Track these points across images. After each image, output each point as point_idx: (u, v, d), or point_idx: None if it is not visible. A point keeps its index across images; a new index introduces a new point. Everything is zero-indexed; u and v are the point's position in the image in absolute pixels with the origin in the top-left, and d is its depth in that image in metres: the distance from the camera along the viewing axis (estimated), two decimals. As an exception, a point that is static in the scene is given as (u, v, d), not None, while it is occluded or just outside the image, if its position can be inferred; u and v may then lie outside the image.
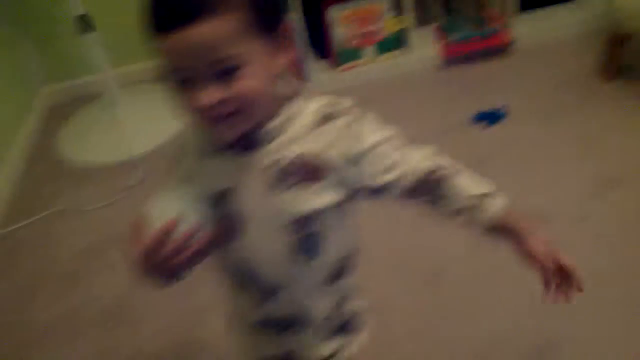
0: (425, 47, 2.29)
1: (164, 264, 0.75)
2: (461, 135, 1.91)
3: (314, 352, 0.92)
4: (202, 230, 0.77)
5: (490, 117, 1.94)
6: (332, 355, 0.93)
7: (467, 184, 0.83)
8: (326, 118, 0.78)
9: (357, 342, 0.95)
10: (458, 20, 2.35)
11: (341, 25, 2.20)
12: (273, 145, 0.77)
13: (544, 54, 2.19)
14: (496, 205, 0.82)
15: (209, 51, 0.68)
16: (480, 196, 0.82)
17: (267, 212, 0.80)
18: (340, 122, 0.78)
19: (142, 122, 2.32)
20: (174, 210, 0.76)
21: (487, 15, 2.33)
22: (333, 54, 2.26)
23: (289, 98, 0.79)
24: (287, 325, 0.90)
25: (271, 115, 0.77)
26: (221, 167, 0.80)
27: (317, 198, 0.79)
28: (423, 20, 2.39)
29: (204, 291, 1.59)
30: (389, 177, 0.80)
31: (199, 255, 0.78)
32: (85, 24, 2.18)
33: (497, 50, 2.23)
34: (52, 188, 2.10)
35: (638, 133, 1.80)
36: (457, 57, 2.24)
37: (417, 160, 0.82)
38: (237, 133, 0.75)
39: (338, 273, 0.88)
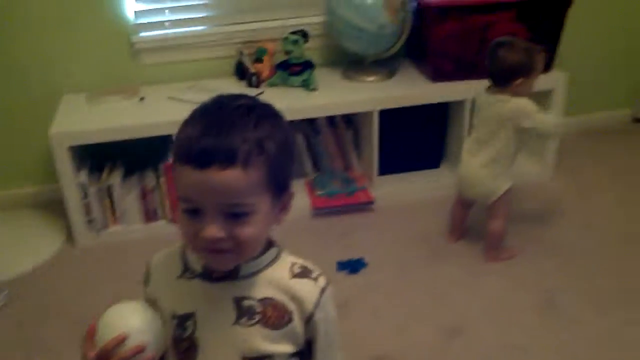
0: (297, 198, 2.48)
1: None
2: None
3: None
4: (148, 351, 0.83)
5: (352, 266, 2.13)
6: None
7: None
8: (302, 274, 0.89)
9: None
10: (326, 177, 2.61)
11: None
12: (247, 282, 0.86)
13: (401, 213, 2.46)
14: None
15: (229, 195, 0.78)
16: None
17: (224, 343, 0.87)
18: (308, 285, 0.88)
19: (9, 247, 2.28)
20: (127, 325, 0.84)
21: (352, 174, 2.63)
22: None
23: (271, 243, 0.91)
24: None
25: (254, 255, 0.87)
26: (194, 291, 0.88)
27: (274, 343, 0.86)
28: (296, 173, 2.63)
29: None
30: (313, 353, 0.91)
31: None
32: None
33: (361, 206, 2.48)
34: None
35: (477, 288, 2.05)
36: (326, 209, 2.46)
37: None
38: (224, 267, 0.85)
39: None
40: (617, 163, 2.83)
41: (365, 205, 2.49)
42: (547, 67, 2.44)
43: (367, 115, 2.45)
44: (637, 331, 1.85)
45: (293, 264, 0.90)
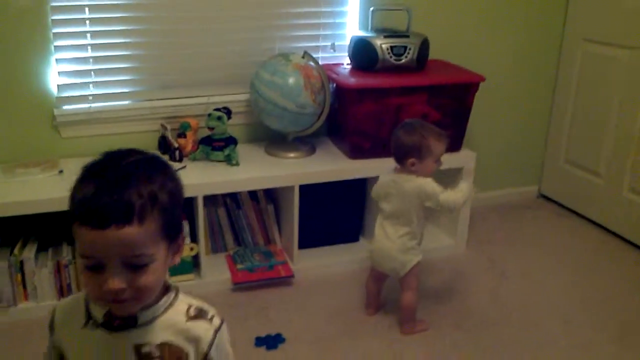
0: (217, 272, 2.50)
1: None
2: (244, 358, 2.05)
3: None
4: None
5: (270, 342, 2.13)
6: None
7: None
8: (197, 316, 0.96)
9: None
10: (247, 251, 2.63)
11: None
12: (145, 329, 0.92)
13: (321, 287, 2.50)
14: None
15: (129, 249, 0.84)
16: None
17: None
18: (203, 326, 0.95)
19: None
20: None
21: (272, 248, 2.66)
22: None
23: (167, 287, 0.96)
24: None
25: (152, 301, 0.93)
26: (96, 341, 0.94)
27: None
28: (217, 247, 2.65)
29: None
30: None
31: None
32: None
33: (281, 280, 2.50)
34: None
35: (393, 362, 2.10)
36: (246, 283, 2.47)
37: None
38: (126, 313, 0.91)
39: None
40: (524, 236, 3.00)
41: (286, 279, 2.51)
42: (457, 147, 2.61)
43: (288, 190, 2.51)
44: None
45: (189, 307, 0.97)
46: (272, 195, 2.70)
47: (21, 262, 2.21)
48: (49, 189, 2.25)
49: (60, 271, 2.26)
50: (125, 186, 0.84)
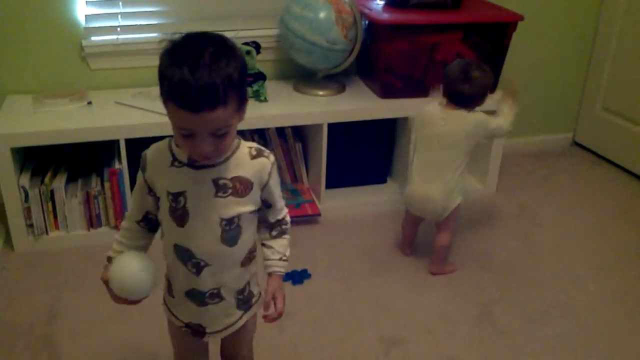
0: (244, 208, 2.50)
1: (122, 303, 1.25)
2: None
3: (220, 321, 1.31)
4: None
5: (295, 277, 2.14)
6: (232, 324, 1.33)
7: (282, 246, 1.33)
8: (257, 155, 1.21)
9: (250, 314, 1.36)
10: (276, 188, 2.63)
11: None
12: (220, 167, 1.17)
13: (347, 226, 2.50)
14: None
15: (216, 124, 1.06)
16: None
17: (208, 211, 1.18)
18: (264, 160, 1.21)
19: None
20: (125, 282, 1.19)
21: (300, 187, 2.65)
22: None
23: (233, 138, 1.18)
24: (207, 298, 1.26)
25: None
26: (183, 176, 1.18)
27: (241, 206, 1.20)
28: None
29: None
30: (269, 206, 1.27)
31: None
32: None
33: (308, 218, 2.50)
34: None
35: (418, 301, 2.09)
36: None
37: (280, 208, 1.30)
38: (210, 162, 1.16)
39: (247, 260, 1.27)
40: (556, 183, 2.94)
41: (312, 217, 2.51)
42: (492, 89, 2.53)
43: (316, 128, 2.48)
44: (568, 342, 1.92)
45: (250, 148, 1.21)
46: (300, 134, 2.67)
47: (51, 192, 2.23)
48: (78, 120, 2.24)
49: (90, 202, 2.28)
50: (210, 73, 1.02)
